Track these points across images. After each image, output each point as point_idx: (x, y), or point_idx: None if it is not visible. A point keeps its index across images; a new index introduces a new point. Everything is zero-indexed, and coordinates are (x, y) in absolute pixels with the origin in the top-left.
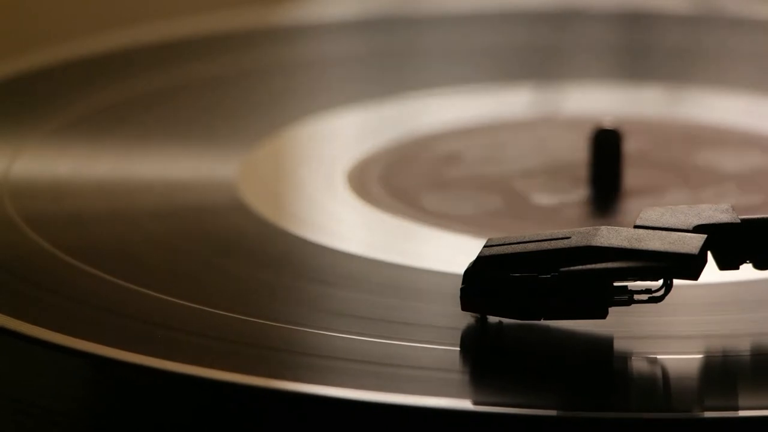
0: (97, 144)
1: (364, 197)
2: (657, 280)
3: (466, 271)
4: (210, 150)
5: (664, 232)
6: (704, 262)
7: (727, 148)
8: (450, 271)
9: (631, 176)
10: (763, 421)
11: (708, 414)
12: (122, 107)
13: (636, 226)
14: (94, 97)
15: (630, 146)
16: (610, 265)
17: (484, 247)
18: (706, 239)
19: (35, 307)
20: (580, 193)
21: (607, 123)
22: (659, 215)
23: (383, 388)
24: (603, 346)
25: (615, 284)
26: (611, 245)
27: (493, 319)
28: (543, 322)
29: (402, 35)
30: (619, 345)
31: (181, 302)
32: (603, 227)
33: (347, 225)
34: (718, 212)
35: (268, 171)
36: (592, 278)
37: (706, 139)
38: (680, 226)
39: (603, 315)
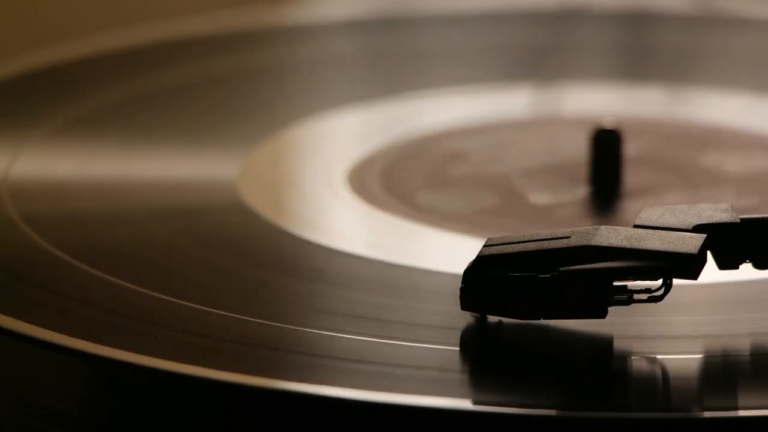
0: (97, 144)
1: (364, 197)
2: (656, 279)
3: (466, 271)
4: (210, 150)
5: (663, 232)
6: (704, 261)
7: (726, 148)
8: (450, 271)
9: (631, 176)
10: (763, 421)
11: (708, 414)
12: (122, 107)
13: (636, 226)
14: (94, 97)
15: (630, 146)
16: (609, 264)
17: (484, 246)
18: (706, 239)
19: (35, 307)
20: (579, 193)
21: (607, 123)
22: (659, 215)
23: (383, 388)
24: (603, 345)
25: (614, 284)
26: (611, 245)
27: (492, 318)
28: (543, 321)
29: (402, 35)
30: (618, 345)
31: (181, 302)
32: (602, 227)
33: (347, 225)
34: (718, 212)
35: (268, 171)
36: (592, 278)
37: (705, 139)
38: (680, 226)
39: (602, 315)
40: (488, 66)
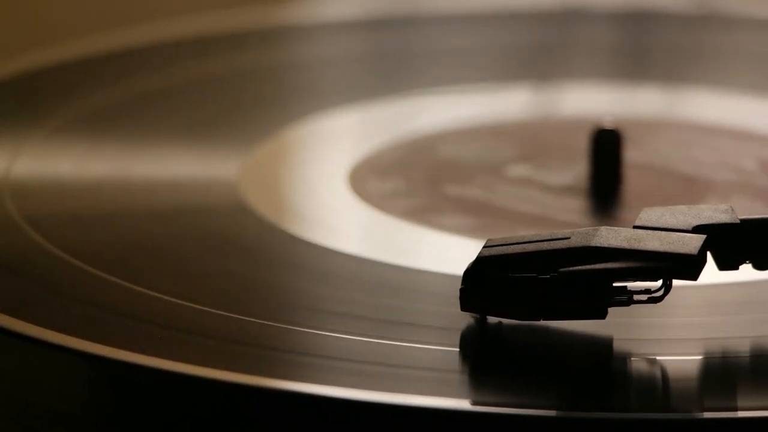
0: (97, 144)
1: (364, 197)
2: (656, 280)
3: (466, 272)
4: (210, 150)
5: (663, 233)
6: (704, 262)
7: (726, 148)
8: (450, 272)
9: (631, 176)
10: (762, 422)
11: (707, 415)
12: (122, 107)
13: (635, 227)
14: (94, 97)
15: (630, 146)
16: (609, 265)
17: (484, 247)
18: (706, 239)
19: (35, 307)
20: (579, 193)
21: (607, 123)
22: (659, 215)
23: (383, 388)
24: (602, 346)
25: (614, 284)
26: (611, 245)
27: (492, 319)
28: (543, 322)
29: (402, 35)
30: (618, 345)
31: (181, 302)
32: (602, 227)
33: (347, 225)
34: (718, 212)
35: (268, 171)
36: (592, 279)
37: (705, 140)
38: (680, 227)
39: (602, 315)
40: (488, 66)
